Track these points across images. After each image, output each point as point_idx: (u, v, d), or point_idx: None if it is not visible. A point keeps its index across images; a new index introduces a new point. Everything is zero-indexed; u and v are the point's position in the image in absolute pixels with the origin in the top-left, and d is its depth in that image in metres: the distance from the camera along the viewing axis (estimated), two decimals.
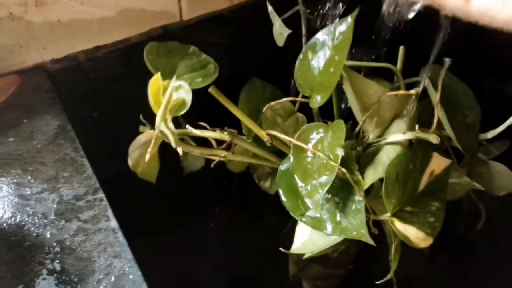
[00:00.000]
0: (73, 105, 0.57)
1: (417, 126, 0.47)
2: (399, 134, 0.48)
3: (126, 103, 0.62)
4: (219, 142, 0.52)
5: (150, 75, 0.48)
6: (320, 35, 0.48)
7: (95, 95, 0.64)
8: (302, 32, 0.58)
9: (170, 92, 0.44)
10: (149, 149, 0.46)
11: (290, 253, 0.53)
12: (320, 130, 0.48)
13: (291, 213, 0.49)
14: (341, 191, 0.47)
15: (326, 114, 0.56)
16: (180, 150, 0.44)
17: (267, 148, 0.54)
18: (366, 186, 0.46)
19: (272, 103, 0.53)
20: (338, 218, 0.47)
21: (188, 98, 0.45)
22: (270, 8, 0.58)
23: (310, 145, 0.47)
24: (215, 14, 0.67)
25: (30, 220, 0.44)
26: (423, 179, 0.49)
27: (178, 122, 0.51)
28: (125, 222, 0.45)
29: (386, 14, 0.49)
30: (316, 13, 0.56)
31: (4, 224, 0.44)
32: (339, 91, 0.52)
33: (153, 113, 0.49)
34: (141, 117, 0.54)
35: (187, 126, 0.50)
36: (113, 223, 0.45)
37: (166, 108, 0.44)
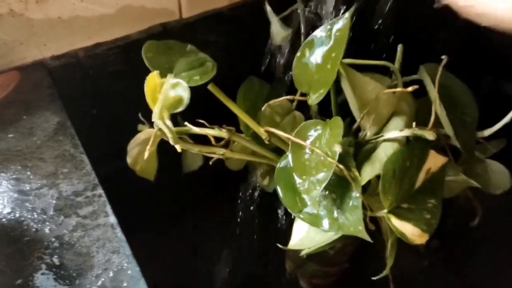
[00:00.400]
0: (72, 102, 0.57)
1: (414, 124, 0.47)
2: (396, 131, 0.49)
3: (125, 100, 0.62)
4: (217, 140, 0.53)
5: (149, 72, 0.48)
6: (318, 32, 0.49)
7: (94, 92, 0.64)
8: (301, 30, 0.58)
9: (166, 89, 0.44)
10: (148, 147, 0.47)
11: (288, 249, 0.53)
12: (318, 127, 0.48)
13: (289, 210, 0.50)
14: (338, 188, 0.47)
15: (323, 111, 0.56)
16: (178, 147, 0.45)
17: (265, 145, 0.54)
18: (363, 183, 0.47)
19: (271, 101, 0.54)
20: (335, 214, 0.47)
21: (186, 95, 0.46)
22: (268, 8, 0.59)
23: (308, 142, 0.47)
24: (214, 12, 0.67)
25: (29, 216, 0.45)
26: (420, 176, 0.49)
27: (176, 121, 0.51)
28: (123, 219, 0.46)
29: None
30: (315, 11, 0.56)
31: (4, 219, 0.44)
32: (337, 88, 0.53)
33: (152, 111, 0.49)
34: (139, 115, 0.54)
35: (186, 123, 0.50)
36: (112, 219, 0.45)
37: (162, 105, 0.44)
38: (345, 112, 0.54)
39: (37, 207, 0.45)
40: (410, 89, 0.48)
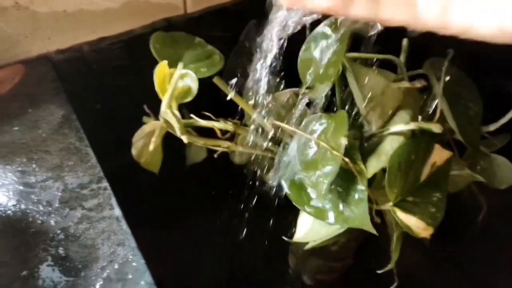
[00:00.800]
0: (76, 96, 0.57)
1: (420, 117, 0.47)
2: (402, 124, 0.48)
3: (129, 94, 0.62)
4: (222, 134, 0.53)
5: (153, 66, 0.48)
6: (322, 26, 0.49)
7: (98, 86, 0.64)
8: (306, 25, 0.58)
9: (176, 79, 0.44)
10: (153, 139, 0.47)
11: (292, 242, 0.53)
12: (323, 121, 0.48)
13: (294, 204, 0.50)
14: (344, 181, 0.47)
15: (328, 105, 0.56)
16: (184, 138, 0.45)
17: (270, 139, 0.54)
18: (369, 176, 0.47)
19: (276, 94, 0.54)
20: (340, 207, 0.47)
21: (194, 86, 0.46)
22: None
23: (314, 136, 0.47)
24: (219, 7, 0.67)
25: (34, 208, 0.45)
26: (425, 170, 0.49)
27: (182, 114, 0.51)
28: (127, 212, 0.46)
29: None
30: None
31: (9, 212, 0.44)
32: (342, 82, 0.53)
33: (157, 104, 0.49)
34: (145, 107, 0.54)
35: (192, 115, 0.50)
36: (117, 211, 0.45)
37: (172, 94, 0.44)
38: (349, 106, 0.54)
39: (42, 199, 0.45)
40: (418, 85, 0.48)
